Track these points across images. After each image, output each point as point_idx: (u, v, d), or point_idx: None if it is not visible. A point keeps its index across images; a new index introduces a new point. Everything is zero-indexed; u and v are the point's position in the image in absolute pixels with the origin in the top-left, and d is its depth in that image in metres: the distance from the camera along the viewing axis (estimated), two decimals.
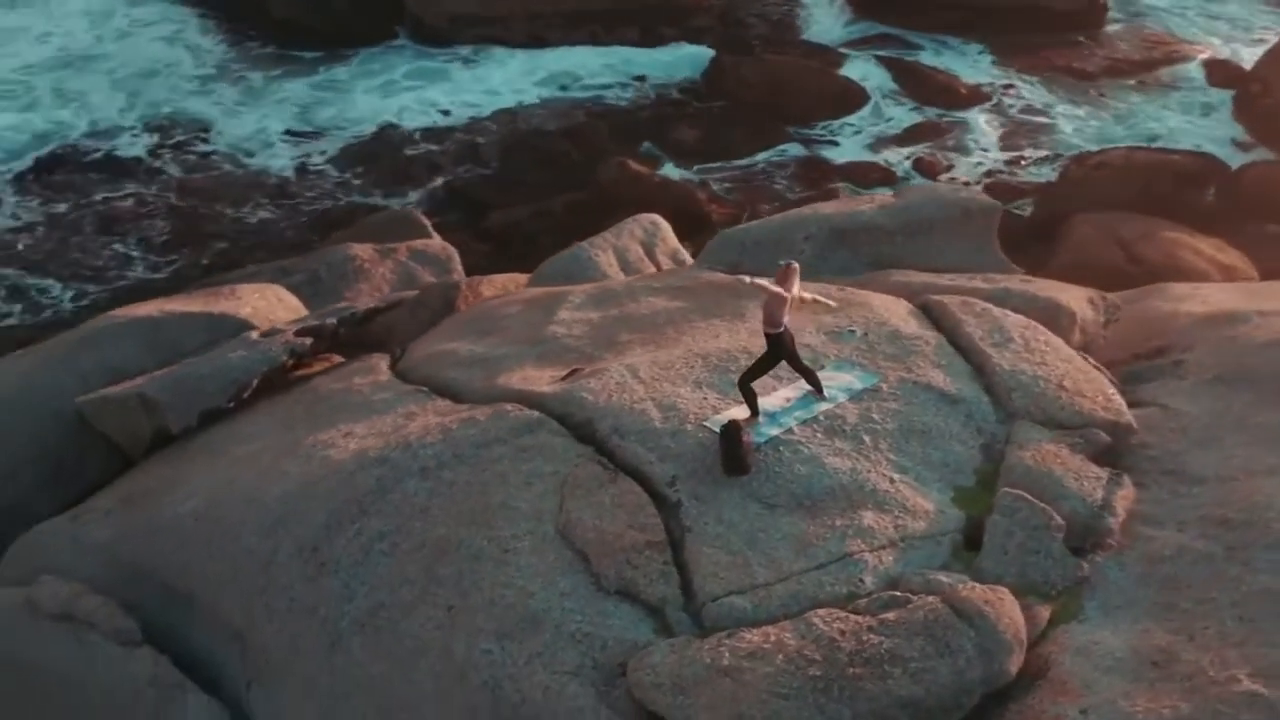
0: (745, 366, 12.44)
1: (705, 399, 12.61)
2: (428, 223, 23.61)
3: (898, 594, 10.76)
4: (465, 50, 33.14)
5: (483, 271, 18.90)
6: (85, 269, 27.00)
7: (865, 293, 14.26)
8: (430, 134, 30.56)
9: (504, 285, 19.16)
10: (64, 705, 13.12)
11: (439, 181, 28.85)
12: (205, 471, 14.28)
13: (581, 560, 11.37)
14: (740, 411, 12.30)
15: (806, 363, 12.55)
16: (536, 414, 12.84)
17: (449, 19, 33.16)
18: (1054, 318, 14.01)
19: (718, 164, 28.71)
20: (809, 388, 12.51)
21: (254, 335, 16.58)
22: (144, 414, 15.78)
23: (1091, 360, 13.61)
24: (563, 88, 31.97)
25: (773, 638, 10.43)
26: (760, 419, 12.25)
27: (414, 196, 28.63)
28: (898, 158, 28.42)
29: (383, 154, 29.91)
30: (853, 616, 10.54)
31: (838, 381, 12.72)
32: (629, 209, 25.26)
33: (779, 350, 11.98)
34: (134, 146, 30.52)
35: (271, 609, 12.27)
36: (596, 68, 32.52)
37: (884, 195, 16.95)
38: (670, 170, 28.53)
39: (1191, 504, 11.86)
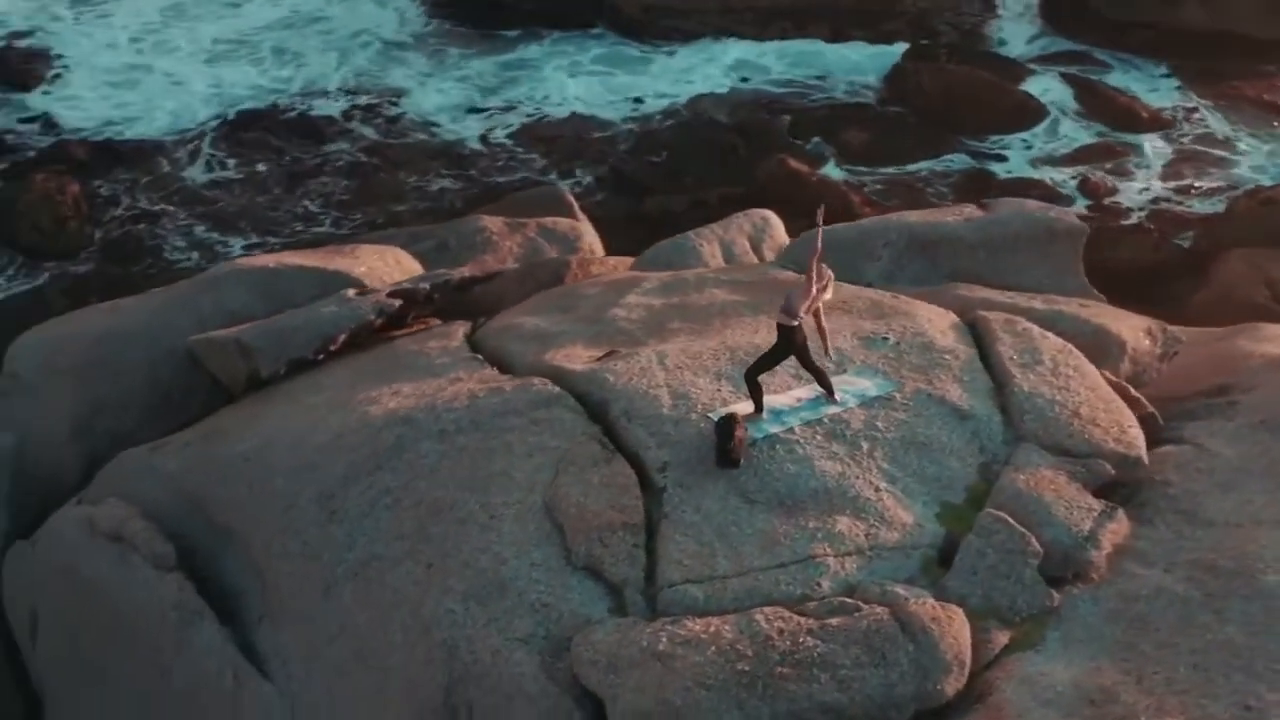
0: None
1: (719, 391, 12.59)
2: (574, 202, 23.87)
3: (848, 600, 10.61)
4: (657, 40, 33.36)
5: (631, 255, 19.02)
6: (266, 223, 28.13)
7: (914, 302, 14.00)
8: (609, 118, 30.88)
9: (614, 266, 19.33)
10: (107, 619, 13.83)
11: (607, 164, 29.12)
12: (273, 416, 14.83)
13: (559, 534, 11.50)
14: (748, 405, 12.22)
15: (824, 364, 12.32)
16: (557, 390, 13.00)
17: (644, 9, 33.49)
18: (1102, 345, 13.53)
19: (880, 168, 28.38)
20: (821, 389, 12.33)
21: (350, 294, 17.07)
22: (240, 358, 16.43)
23: (1134, 392, 13.11)
24: (744, 80, 31.97)
25: (712, 629, 10.41)
26: (764, 415, 12.15)
27: (582, 177, 28.97)
28: (1063, 177, 27.61)
29: (562, 134, 30.38)
30: (797, 618, 10.44)
31: (854, 386, 12.56)
32: (782, 206, 25.26)
33: (789, 344, 11.87)
34: (330, 107, 31.65)
35: (286, 550, 12.72)
36: (781, 64, 32.43)
37: (972, 208, 16.52)
38: (831, 170, 28.30)
39: (1190, 546, 11.39)
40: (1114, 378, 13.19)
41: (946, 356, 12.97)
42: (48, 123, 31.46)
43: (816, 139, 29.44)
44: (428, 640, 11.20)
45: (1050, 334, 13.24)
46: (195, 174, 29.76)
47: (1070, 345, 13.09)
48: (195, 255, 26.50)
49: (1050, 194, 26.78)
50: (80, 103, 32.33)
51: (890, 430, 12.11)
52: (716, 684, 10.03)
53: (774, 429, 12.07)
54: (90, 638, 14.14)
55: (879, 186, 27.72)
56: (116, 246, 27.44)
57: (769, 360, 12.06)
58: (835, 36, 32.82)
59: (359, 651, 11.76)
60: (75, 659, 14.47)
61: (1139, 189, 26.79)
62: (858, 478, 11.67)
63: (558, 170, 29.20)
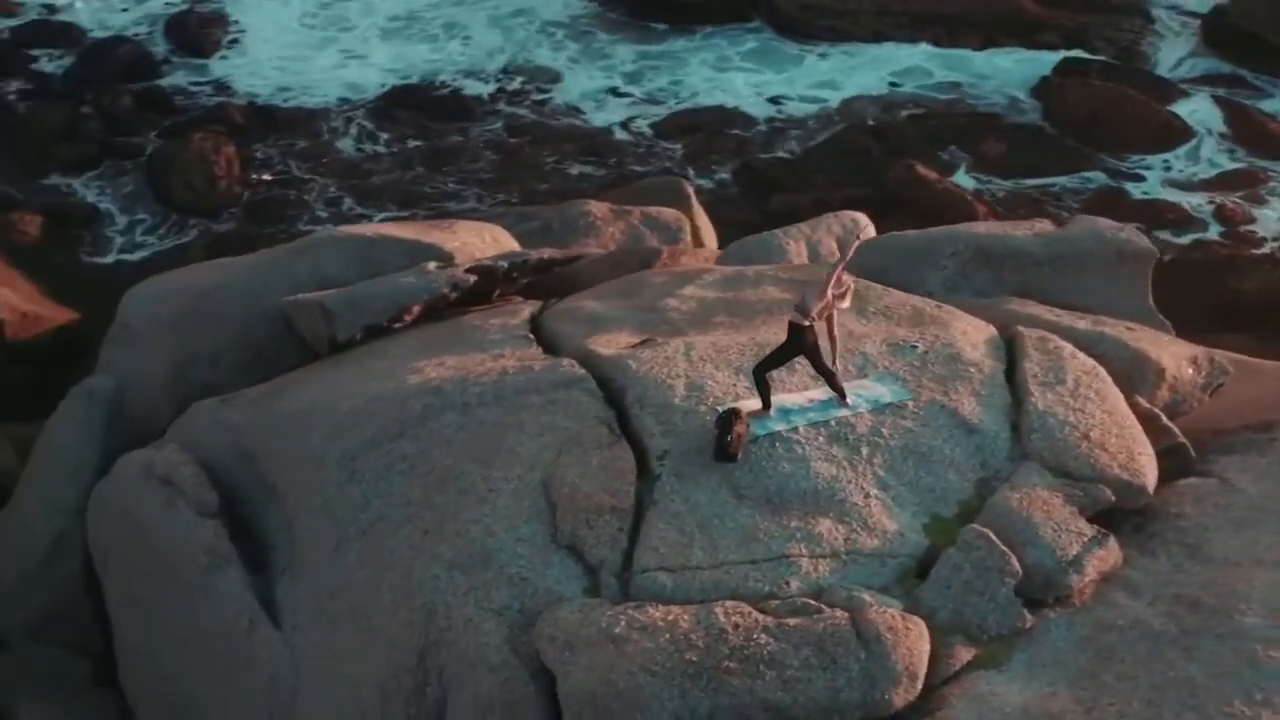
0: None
1: (736, 385, 12.57)
2: (691, 193, 23.86)
3: (811, 602, 10.55)
4: (811, 39, 33.09)
5: None
6: (408, 198, 28.68)
7: (954, 313, 13.76)
8: (752, 114, 30.77)
9: (705, 259, 19.36)
10: (153, 559, 14.40)
11: (740, 159, 29.07)
12: (332, 379, 15.24)
13: (551, 512, 11.62)
14: (758, 402, 12.19)
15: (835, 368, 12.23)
16: (581, 373, 13.10)
17: (801, 7, 33.24)
18: (1139, 371, 13.14)
19: (1013, 180, 27.76)
20: (832, 392, 12.23)
21: (430, 266, 17.40)
22: (323, 321, 16.86)
23: (1165, 420, 12.71)
24: (892, 85, 31.55)
25: (671, 617, 10.45)
26: (772, 413, 12.09)
27: (717, 171, 28.97)
28: (1198, 201, 26.64)
29: (702, 127, 30.34)
30: (756, 614, 10.42)
31: (870, 392, 12.42)
32: (906, 210, 25.01)
33: (799, 343, 11.79)
34: (481, 87, 32.12)
35: (310, 506, 13.10)
36: (929, 70, 31.89)
37: (1045, 223, 16.13)
38: (961, 178, 27.78)
39: (1182, 581, 11.04)
40: (1145, 404, 12.80)
41: (971, 369, 12.73)
42: (219, 86, 32.52)
43: (953, 146, 28.92)
44: (410, 603, 11.45)
45: (1081, 354, 12.89)
46: (347, 145, 30.49)
47: (1099, 368, 12.72)
48: (336, 224, 27.10)
49: (1184, 217, 25.96)
50: (252, 70, 33.32)
51: (894, 438, 11.95)
52: (662, 671, 10.06)
53: (778, 427, 12.00)
54: (140, 576, 14.73)
55: (1007, 198, 27.12)
56: (261, 208, 28.26)
57: (777, 357, 11.99)
58: (988, 44, 32.17)
59: (353, 608, 12.06)
60: (130, 595, 15.10)
61: (1277, 218, 25.75)
62: (850, 482, 11.55)
63: (694, 163, 29.20)
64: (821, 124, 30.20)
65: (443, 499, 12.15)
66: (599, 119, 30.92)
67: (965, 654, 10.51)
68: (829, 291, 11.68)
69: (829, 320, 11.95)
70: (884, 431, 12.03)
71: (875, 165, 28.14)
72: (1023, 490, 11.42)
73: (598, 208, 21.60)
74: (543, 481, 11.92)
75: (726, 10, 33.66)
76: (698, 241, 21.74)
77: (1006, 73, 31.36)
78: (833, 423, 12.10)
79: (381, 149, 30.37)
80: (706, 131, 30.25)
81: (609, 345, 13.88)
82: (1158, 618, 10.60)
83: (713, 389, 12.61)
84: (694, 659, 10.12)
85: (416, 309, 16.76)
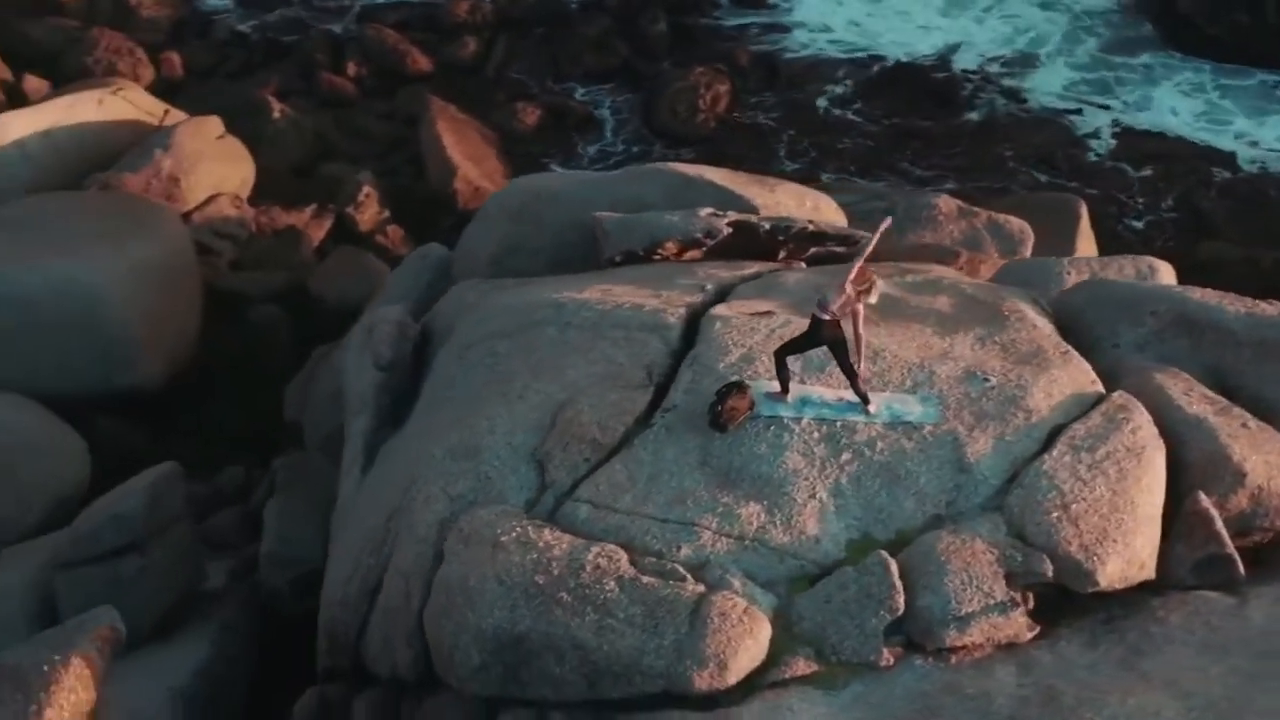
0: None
1: (790, 370, 12.39)
2: (1083, 214, 22.70)
3: (680, 569, 10.58)
4: None
5: None
6: (870, 167, 28.97)
7: (1069, 358, 12.79)
8: (1225, 150, 28.51)
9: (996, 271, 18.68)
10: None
11: (1189, 199, 27.07)
12: (553, 284, 16.25)
13: (549, 430, 12.16)
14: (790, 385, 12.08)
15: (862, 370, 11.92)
16: (673, 321, 13.39)
17: None
18: (1215, 468, 11.68)
19: None
20: (854, 400, 11.93)
21: (703, 212, 17.95)
22: (603, 239, 17.96)
23: (1219, 526, 11.34)
24: None
25: (553, 542, 10.83)
26: (788, 398, 11.98)
27: (1163, 201, 27.21)
28: None
29: (1167, 155, 28.49)
30: (624, 564, 10.61)
31: (900, 406, 11.96)
32: None
33: (816, 336, 11.60)
34: (971, 73, 31.64)
35: (436, 378, 14.30)
36: None
37: (1273, 305, 14.29)
38: None
39: (1073, 676, 10.05)
40: (1205, 504, 11.44)
41: (1020, 414, 11.91)
42: (744, 31, 33.84)
43: None
44: (405, 474, 12.41)
45: (1144, 430, 11.68)
46: (830, 105, 31.05)
47: (1150, 450, 11.45)
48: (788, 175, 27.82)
49: None
50: (789, 23, 34.40)
51: (882, 454, 11.48)
52: (509, 583, 10.52)
53: (785, 413, 11.85)
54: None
55: None
56: (724, 144, 29.43)
57: (795, 345, 11.81)
58: None
59: (386, 469, 13.18)
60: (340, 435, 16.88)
61: None
62: (806, 480, 11.29)
63: (1142, 189, 27.51)
64: None
65: (487, 393, 12.95)
66: (1078, 125, 29.64)
67: (804, 667, 10.17)
68: (847, 286, 11.34)
69: (854, 317, 11.58)
70: (878, 445, 11.57)
71: None
72: (960, 536, 10.70)
73: (945, 203, 21.10)
74: (560, 402, 12.38)
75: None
76: None
77: None
78: (839, 423, 11.75)
79: (862, 117, 30.61)
80: (1167, 159, 28.35)
81: (735, 309, 13.97)
82: (1009, 700, 9.75)
83: (761, 365, 12.51)
84: (540, 582, 10.46)
85: (671, 245, 17.32)
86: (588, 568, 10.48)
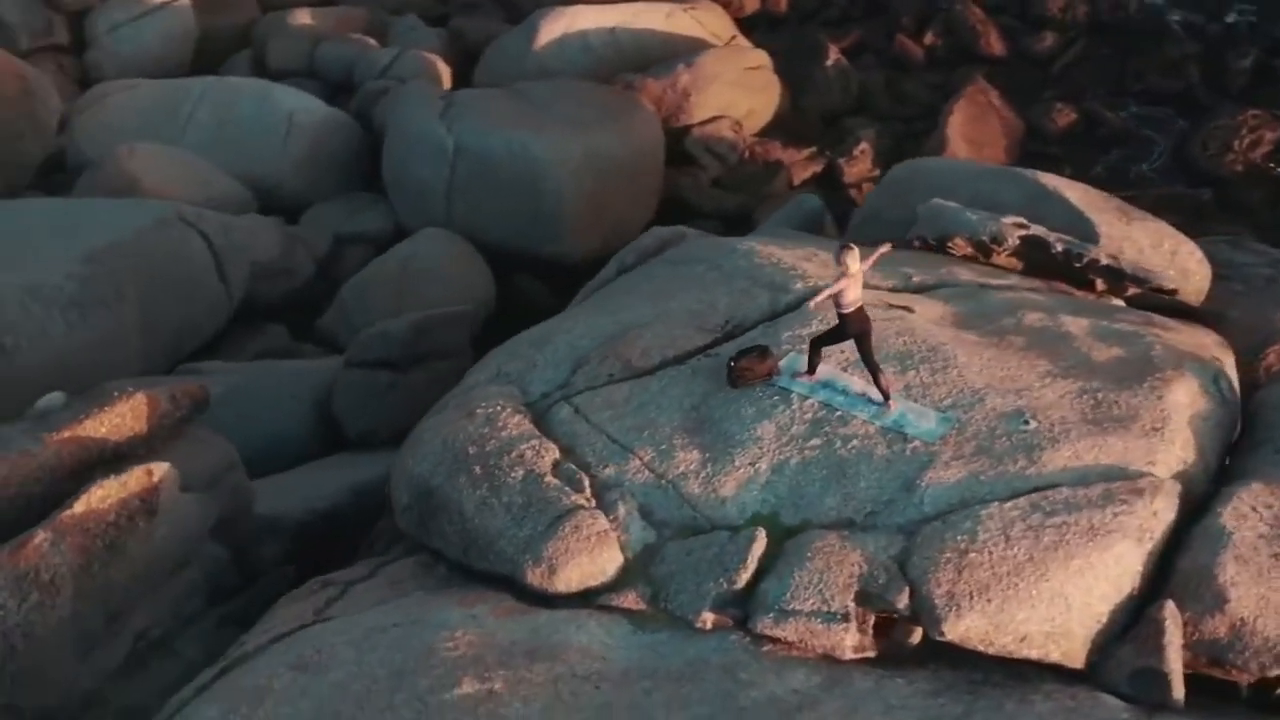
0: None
1: (846, 356, 12.28)
2: None
3: (585, 481, 11.11)
4: None
5: None
6: None
7: (1158, 433, 11.65)
8: None
9: None
10: None
11: None
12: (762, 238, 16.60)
13: (606, 342, 12.86)
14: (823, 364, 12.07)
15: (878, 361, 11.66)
16: (796, 287, 13.46)
17: None
18: (1195, 584, 10.21)
19: None
20: (878, 399, 11.71)
21: (1009, 219, 17.24)
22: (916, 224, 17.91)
23: (1164, 629, 10.16)
24: None
25: (509, 426, 11.70)
26: (811, 378, 11.96)
27: None
28: None
29: None
30: (547, 463, 11.28)
31: (911, 415, 11.51)
32: None
33: (843, 329, 11.54)
34: None
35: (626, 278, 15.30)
36: None
37: None
38: None
39: (865, 714, 9.62)
40: (1165, 617, 10.19)
41: (1020, 463, 10.98)
42: None
43: None
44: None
45: (1135, 521, 10.52)
46: None
47: (1128, 543, 10.36)
48: None
49: None
50: None
51: (847, 450, 11.15)
52: (447, 444, 11.63)
53: (795, 389, 11.83)
54: None
55: None
56: (1237, 189, 27.13)
57: (827, 337, 11.73)
58: None
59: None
60: None
61: None
62: (759, 449, 11.22)
63: None
64: None
65: (610, 304, 13.82)
66: None
67: (633, 601, 10.27)
68: (839, 286, 11.13)
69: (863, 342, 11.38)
70: (852, 442, 11.25)
71: None
72: (847, 543, 10.29)
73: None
74: (636, 323, 12.99)
75: None
76: None
77: None
78: (838, 412, 11.59)
79: None
80: None
81: (883, 298, 13.74)
82: (762, 697, 9.43)
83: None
84: (469, 452, 11.40)
85: (960, 243, 16.97)
86: (513, 454, 11.20)
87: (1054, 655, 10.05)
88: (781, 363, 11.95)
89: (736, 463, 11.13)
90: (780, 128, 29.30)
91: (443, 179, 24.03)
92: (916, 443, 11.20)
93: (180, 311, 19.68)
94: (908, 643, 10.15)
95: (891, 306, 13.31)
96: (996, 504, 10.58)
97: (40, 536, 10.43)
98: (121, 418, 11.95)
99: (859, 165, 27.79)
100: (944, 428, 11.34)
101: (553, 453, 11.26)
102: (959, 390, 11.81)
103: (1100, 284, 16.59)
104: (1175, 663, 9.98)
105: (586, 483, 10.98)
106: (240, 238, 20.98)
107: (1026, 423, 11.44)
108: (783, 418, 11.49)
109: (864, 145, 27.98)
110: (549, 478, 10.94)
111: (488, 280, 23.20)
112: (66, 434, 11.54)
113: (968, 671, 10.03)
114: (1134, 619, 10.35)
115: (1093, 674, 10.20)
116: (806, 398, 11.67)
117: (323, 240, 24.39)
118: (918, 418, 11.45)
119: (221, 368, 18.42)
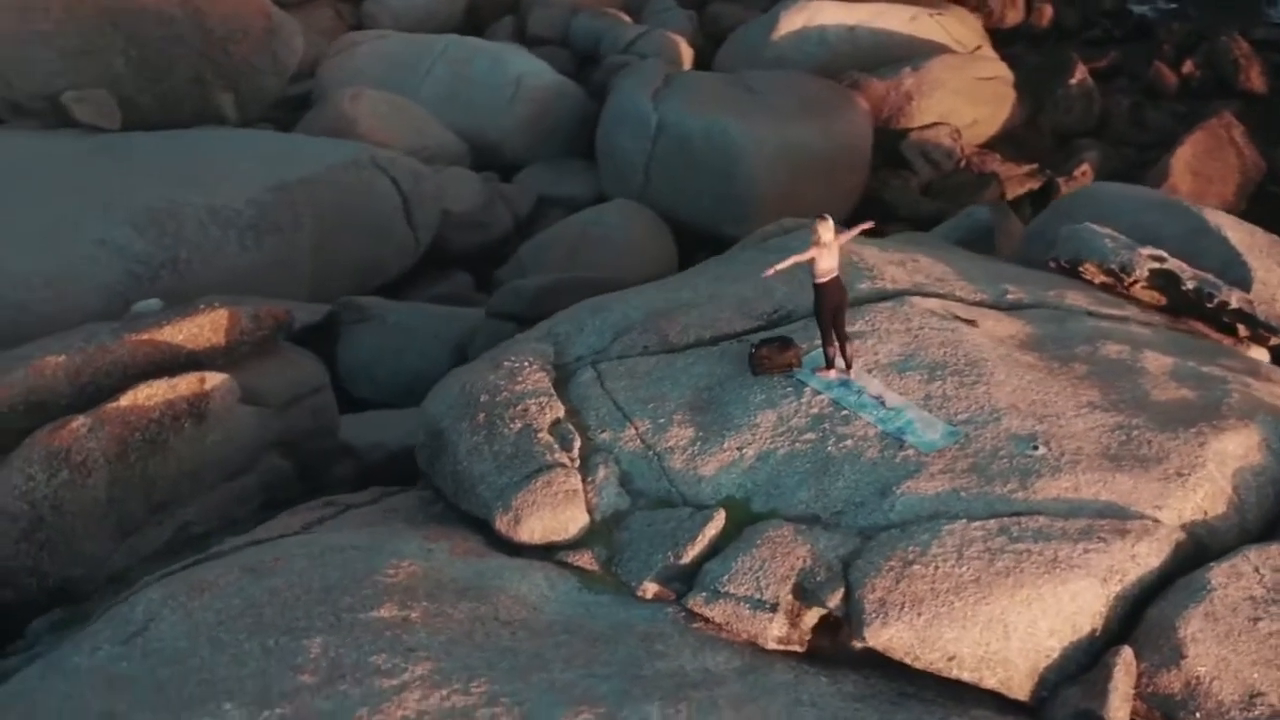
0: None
1: (887, 371, 12.12)
2: None
3: (576, 441, 11.39)
4: None
5: None
6: None
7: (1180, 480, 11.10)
8: None
9: None
10: None
11: None
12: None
13: (651, 316, 13.09)
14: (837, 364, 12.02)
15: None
16: (861, 286, 13.34)
17: None
18: (1155, 635, 9.72)
19: None
20: (892, 403, 11.57)
21: (1143, 249, 16.44)
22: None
23: (1112, 675, 9.75)
24: None
25: (527, 381, 12.08)
26: (833, 374, 11.88)
27: None
28: None
29: None
30: (547, 420, 11.62)
31: (919, 423, 11.29)
32: None
33: (819, 299, 11.53)
34: None
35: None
36: None
37: None
38: None
39: (757, 705, 9.56)
40: (1117, 664, 9.71)
41: (1009, 486, 10.67)
42: None
43: None
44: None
45: (1099, 562, 10.05)
46: None
47: (1086, 581, 9.85)
48: None
49: None
50: None
51: (838, 448, 11.04)
52: (465, 391, 12.11)
53: (811, 384, 11.79)
54: None
55: None
56: None
57: (819, 322, 11.71)
58: None
59: None
60: None
61: None
62: (753, 435, 11.23)
63: None
64: None
65: (679, 281, 14.16)
66: None
67: (588, 561, 10.50)
68: (811, 254, 11.27)
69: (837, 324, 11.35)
70: (846, 441, 11.11)
71: None
72: (800, 536, 10.24)
73: None
74: (684, 302, 13.16)
75: None
76: None
77: None
78: (845, 410, 11.50)
79: None
80: None
81: (956, 309, 13.48)
82: (654, 675, 9.38)
83: (868, 345, 12.30)
84: (480, 400, 11.82)
85: (1090, 268, 16.35)
86: (518, 407, 11.55)
87: (989, 681, 9.72)
88: (806, 356, 11.84)
89: (725, 445, 11.15)
90: (1008, 140, 28.50)
91: (643, 153, 24.42)
92: (910, 450, 10.96)
93: (362, 247, 20.67)
94: (850, 645, 9.95)
95: (956, 318, 12.98)
96: (964, 521, 10.26)
97: (79, 422, 11.33)
98: (200, 328, 12.79)
99: (1076, 186, 26.74)
100: (947, 441, 11.07)
101: (557, 411, 11.53)
102: (979, 407, 11.48)
103: (1243, 330, 15.72)
104: (1119, 710, 9.53)
105: (577, 444, 11.21)
106: (430, 187, 21.84)
107: (1035, 448, 11.05)
108: (787, 408, 11.43)
109: (1085, 166, 26.94)
110: (543, 434, 11.21)
111: (670, 253, 23.46)
112: (145, 336, 12.45)
113: (901, 684, 9.82)
114: (1094, 661, 9.87)
115: (1038, 709, 9.82)
116: (819, 393, 11.54)
117: (527, 199, 25.12)
118: (924, 427, 11.20)
119: (379, 304, 19.27)
